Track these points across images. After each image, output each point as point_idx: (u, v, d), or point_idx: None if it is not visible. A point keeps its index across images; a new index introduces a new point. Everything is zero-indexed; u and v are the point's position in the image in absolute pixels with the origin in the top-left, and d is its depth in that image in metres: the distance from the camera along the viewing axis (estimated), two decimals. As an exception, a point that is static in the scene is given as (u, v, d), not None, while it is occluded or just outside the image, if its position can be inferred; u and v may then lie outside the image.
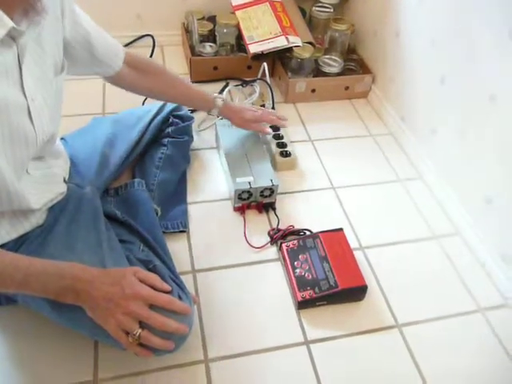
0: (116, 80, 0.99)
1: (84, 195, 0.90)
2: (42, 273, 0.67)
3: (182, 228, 1.07)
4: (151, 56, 1.60)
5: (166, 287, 0.74)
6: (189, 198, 1.16)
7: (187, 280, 0.98)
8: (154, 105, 1.16)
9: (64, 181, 0.89)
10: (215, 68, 1.52)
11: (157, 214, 1.02)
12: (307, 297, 0.94)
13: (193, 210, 1.13)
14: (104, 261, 0.78)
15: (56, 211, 0.85)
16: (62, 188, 0.87)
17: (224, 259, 1.04)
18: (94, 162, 1.00)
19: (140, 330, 0.68)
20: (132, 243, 0.88)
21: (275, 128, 1.33)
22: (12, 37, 0.63)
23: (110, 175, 1.00)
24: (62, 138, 1.07)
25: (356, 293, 0.97)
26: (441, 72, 1.20)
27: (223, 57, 1.52)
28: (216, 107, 1.11)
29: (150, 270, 0.80)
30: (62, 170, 0.90)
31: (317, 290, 0.95)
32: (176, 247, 1.04)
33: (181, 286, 0.81)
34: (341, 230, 1.06)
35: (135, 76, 1.00)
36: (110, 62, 0.93)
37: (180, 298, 0.76)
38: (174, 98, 1.10)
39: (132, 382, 0.82)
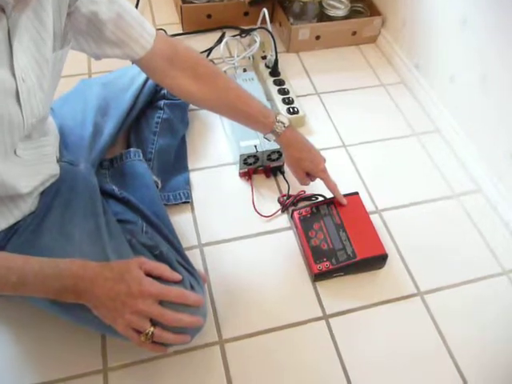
0: (145, 69, 0.80)
1: (78, 174, 0.82)
2: (39, 273, 0.61)
3: (185, 199, 1.00)
4: (136, 6, 1.45)
5: (176, 277, 0.68)
6: (190, 165, 1.07)
7: (194, 255, 0.92)
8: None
9: (57, 160, 0.80)
10: (209, 16, 1.38)
11: (157, 186, 0.94)
12: (324, 269, 0.88)
13: (195, 178, 1.05)
14: (105, 250, 0.71)
15: (49, 196, 0.76)
16: (55, 169, 0.78)
17: (232, 230, 0.97)
18: (86, 132, 0.91)
19: (152, 329, 0.62)
20: (133, 223, 0.81)
21: (279, 82, 1.22)
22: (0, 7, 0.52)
23: (105, 146, 0.91)
24: (47, 106, 0.97)
25: (375, 262, 0.91)
26: (462, 12, 1.07)
27: (217, 3, 1.38)
28: (274, 133, 0.87)
29: (155, 256, 0.74)
30: (53, 148, 0.80)
31: (334, 261, 0.89)
32: (180, 220, 0.97)
33: (190, 270, 0.74)
34: (356, 193, 0.98)
35: (172, 73, 0.79)
36: (125, 46, 0.73)
37: (192, 287, 0.70)
38: (224, 113, 0.91)
39: (143, 368, 0.78)
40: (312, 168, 0.91)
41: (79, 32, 0.69)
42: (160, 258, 0.73)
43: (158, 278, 0.66)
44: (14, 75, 0.57)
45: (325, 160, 0.93)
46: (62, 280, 0.62)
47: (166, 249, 0.75)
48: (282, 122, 0.86)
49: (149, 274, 0.65)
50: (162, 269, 0.67)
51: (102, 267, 0.64)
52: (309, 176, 0.94)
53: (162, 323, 0.63)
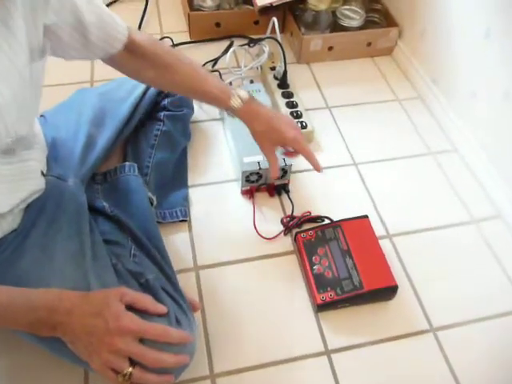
0: (110, 63, 0.78)
1: (66, 190, 0.76)
2: (10, 304, 0.55)
3: (182, 217, 0.94)
4: (144, 12, 1.40)
5: (160, 309, 0.61)
6: (190, 181, 1.02)
7: (189, 279, 0.86)
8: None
9: (42, 174, 0.75)
10: (217, 24, 1.33)
11: (152, 204, 0.88)
12: (327, 299, 0.81)
13: (194, 195, 0.99)
14: (87, 275, 0.65)
15: (33, 212, 0.71)
16: (39, 184, 0.73)
17: (231, 253, 0.90)
18: (78, 144, 0.85)
19: (131, 369, 0.56)
20: (122, 246, 0.75)
21: (288, 94, 1.16)
22: None
23: (97, 160, 0.86)
24: (41, 115, 0.93)
25: (384, 293, 0.84)
26: (486, 24, 1.00)
27: (226, 11, 1.33)
28: (232, 107, 0.81)
29: (141, 284, 0.68)
30: (39, 162, 0.75)
31: (338, 291, 0.82)
32: (175, 240, 0.92)
33: (178, 301, 0.68)
34: (365, 217, 0.91)
35: (135, 64, 0.79)
36: (106, 45, 0.72)
37: (178, 321, 0.63)
38: (185, 94, 0.92)
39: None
40: (280, 139, 0.82)
41: (61, 40, 0.64)
42: (145, 286, 0.67)
43: (142, 311, 0.60)
44: None
45: (297, 127, 0.85)
46: (35, 312, 0.57)
47: (153, 276, 0.69)
48: (239, 96, 0.80)
49: (131, 307, 0.59)
50: (145, 301, 0.61)
51: (80, 298, 0.58)
52: (289, 154, 0.87)
53: (142, 363, 0.57)
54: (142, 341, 0.57)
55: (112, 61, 0.77)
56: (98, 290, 0.64)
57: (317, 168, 0.85)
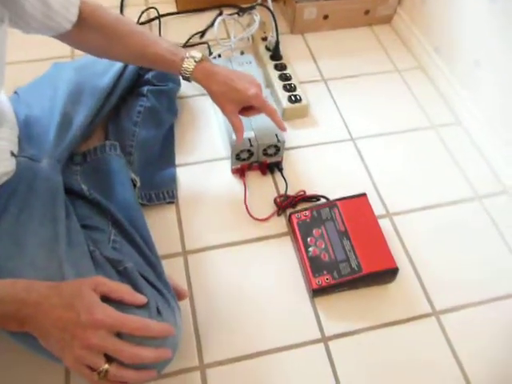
0: (65, 38, 0.74)
1: (39, 172, 0.71)
2: None
3: (170, 199, 0.88)
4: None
5: (139, 300, 0.56)
6: (177, 160, 0.96)
7: (176, 264, 0.81)
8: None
9: (12, 154, 0.69)
10: (205, -7, 1.25)
11: (135, 185, 0.82)
12: (324, 283, 0.76)
13: (182, 175, 0.94)
14: (62, 264, 0.60)
15: (3, 197, 0.66)
16: (8, 166, 0.67)
17: (221, 235, 0.85)
18: (53, 122, 0.79)
19: (106, 366, 0.51)
20: (101, 231, 0.69)
21: (281, 67, 1.09)
22: None
23: (74, 139, 0.79)
24: (14, 92, 0.86)
25: (384, 276, 0.79)
26: (492, -15, 0.93)
27: (214, -22, 1.25)
28: (185, 69, 0.75)
29: (119, 272, 0.62)
30: (8, 142, 0.70)
31: (335, 274, 0.77)
32: (162, 223, 0.86)
33: (161, 290, 0.63)
34: (363, 195, 0.86)
35: (88, 35, 0.74)
36: (66, 12, 0.68)
37: (159, 312, 0.58)
38: (133, 62, 0.84)
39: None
40: (240, 97, 0.76)
41: (22, 9, 0.58)
42: (124, 274, 0.62)
43: (119, 302, 0.55)
44: None
45: (258, 85, 0.78)
46: (2, 305, 0.52)
47: (133, 264, 0.63)
48: (192, 57, 0.75)
49: (107, 297, 0.54)
50: (123, 291, 0.56)
51: (50, 289, 0.53)
52: (246, 111, 0.79)
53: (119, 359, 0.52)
54: (119, 335, 0.53)
55: (68, 35, 0.72)
56: (73, 279, 0.59)
57: (281, 127, 0.81)
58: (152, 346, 0.54)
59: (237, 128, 0.79)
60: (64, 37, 0.73)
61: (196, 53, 0.76)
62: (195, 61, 0.75)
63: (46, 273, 0.59)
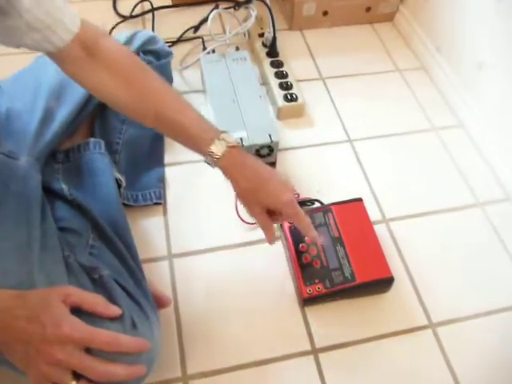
0: (60, 62, 0.63)
1: (16, 170, 0.67)
2: None
3: (156, 200, 0.85)
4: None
5: (112, 312, 0.52)
6: (166, 159, 0.92)
7: (161, 268, 0.78)
8: (119, 34, 0.89)
9: None
10: (201, -14, 1.21)
11: (119, 186, 0.79)
12: (315, 293, 0.73)
13: (170, 175, 0.90)
14: (32, 270, 0.56)
15: None
16: None
17: (209, 239, 0.82)
18: (35, 118, 0.75)
19: (74, 383, 0.47)
20: (79, 235, 0.66)
21: (278, 64, 1.05)
22: None
23: (55, 136, 0.76)
24: (-3, 85, 0.82)
25: (379, 286, 0.75)
26: (498, -17, 0.89)
27: (211, -29, 1.21)
28: (212, 155, 0.63)
29: (94, 281, 0.58)
30: None
31: (327, 283, 0.73)
32: (148, 225, 0.83)
33: (139, 300, 0.59)
34: (359, 200, 0.82)
35: (90, 67, 0.62)
36: (50, 32, 0.55)
37: (134, 325, 0.54)
38: (146, 122, 0.68)
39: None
40: (271, 201, 0.63)
41: None
42: (99, 283, 0.58)
43: (91, 314, 0.51)
44: None
45: (292, 189, 0.67)
46: None
47: (109, 272, 0.60)
48: (224, 140, 0.63)
49: (78, 309, 0.51)
50: (95, 302, 0.52)
51: (15, 299, 0.49)
52: (272, 215, 0.66)
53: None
54: (89, 349, 0.49)
55: (59, 59, 0.61)
56: (44, 286, 0.55)
57: (313, 238, 0.68)
58: (125, 361, 0.50)
59: (267, 230, 0.66)
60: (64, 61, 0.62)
61: (228, 137, 0.64)
62: (227, 146, 0.63)
63: (17, 280, 0.56)
